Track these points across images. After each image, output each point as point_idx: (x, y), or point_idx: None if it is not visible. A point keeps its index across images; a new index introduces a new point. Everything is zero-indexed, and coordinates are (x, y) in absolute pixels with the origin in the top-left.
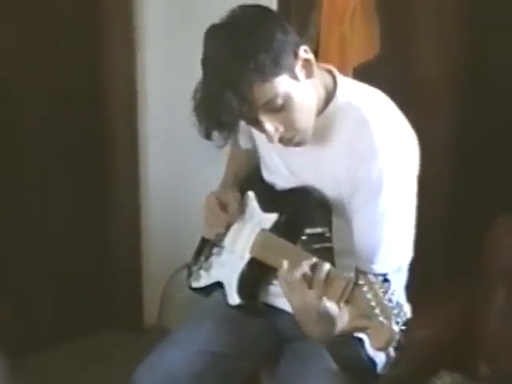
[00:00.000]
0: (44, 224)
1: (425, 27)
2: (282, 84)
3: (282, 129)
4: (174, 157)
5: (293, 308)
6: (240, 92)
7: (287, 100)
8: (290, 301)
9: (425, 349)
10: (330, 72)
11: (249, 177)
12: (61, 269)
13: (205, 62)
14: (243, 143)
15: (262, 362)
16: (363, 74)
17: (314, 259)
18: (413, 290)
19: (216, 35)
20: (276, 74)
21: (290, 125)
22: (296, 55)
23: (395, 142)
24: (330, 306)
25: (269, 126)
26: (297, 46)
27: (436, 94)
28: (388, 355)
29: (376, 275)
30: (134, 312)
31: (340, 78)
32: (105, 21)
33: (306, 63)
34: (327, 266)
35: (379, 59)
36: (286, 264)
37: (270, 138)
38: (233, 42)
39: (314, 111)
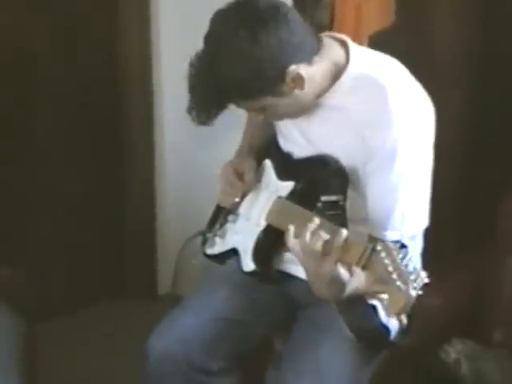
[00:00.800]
0: (58, 194)
1: None
2: (269, 100)
3: (262, 117)
4: (189, 124)
5: (307, 272)
6: (223, 99)
7: (272, 108)
8: (304, 265)
9: (437, 317)
10: (343, 43)
11: (266, 145)
12: (75, 236)
13: (205, 42)
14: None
15: (275, 328)
16: (378, 43)
17: (332, 225)
18: (426, 257)
19: (222, 19)
20: (262, 95)
21: (273, 115)
22: (284, 77)
23: (411, 110)
24: (343, 272)
25: (250, 110)
26: (288, 64)
27: (451, 66)
28: (401, 322)
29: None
30: (147, 280)
31: (353, 47)
32: None
33: (297, 77)
34: (345, 232)
35: (395, 29)
36: (292, 229)
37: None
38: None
39: (308, 102)
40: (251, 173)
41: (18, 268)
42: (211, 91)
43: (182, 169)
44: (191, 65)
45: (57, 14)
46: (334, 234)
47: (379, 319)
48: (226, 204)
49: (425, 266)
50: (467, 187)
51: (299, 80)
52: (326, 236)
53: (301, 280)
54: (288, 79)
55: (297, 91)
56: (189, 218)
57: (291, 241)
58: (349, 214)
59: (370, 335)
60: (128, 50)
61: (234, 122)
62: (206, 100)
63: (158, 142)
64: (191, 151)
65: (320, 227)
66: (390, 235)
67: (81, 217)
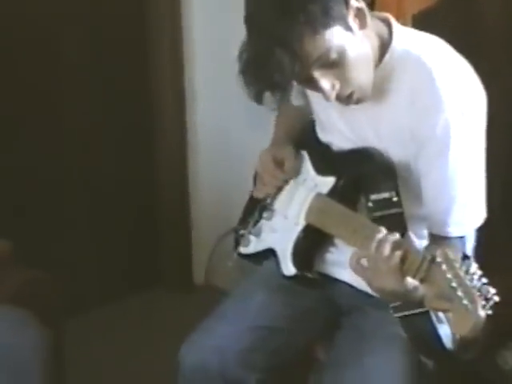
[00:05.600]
0: (87, 181)
1: None
2: (335, 36)
3: (338, 85)
4: (224, 111)
5: (377, 292)
6: (291, 48)
7: (341, 53)
8: (373, 284)
9: (493, 320)
10: (386, 20)
11: (301, 136)
12: (107, 226)
13: (249, 20)
14: (294, 99)
15: (316, 336)
16: (423, 23)
17: (383, 229)
18: (479, 255)
19: None
20: (328, 26)
21: (346, 81)
22: (347, 4)
23: (461, 90)
24: (413, 282)
25: (324, 82)
26: None
27: (502, 45)
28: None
29: (451, 238)
30: (183, 271)
31: (397, 26)
32: None
33: (359, 12)
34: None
35: (441, 6)
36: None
37: (326, 96)
38: None
39: (372, 64)
40: (292, 161)
41: (44, 269)
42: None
43: (218, 154)
44: (243, 51)
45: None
46: (397, 244)
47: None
48: (262, 195)
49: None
50: None
51: (360, 13)
52: (399, 252)
53: (344, 283)
54: (351, 8)
55: (361, 32)
56: (226, 206)
57: (356, 262)
58: (406, 211)
59: (427, 342)
60: (158, 23)
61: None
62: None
63: (190, 127)
64: (228, 132)
65: (365, 230)
66: (454, 231)
67: (112, 208)
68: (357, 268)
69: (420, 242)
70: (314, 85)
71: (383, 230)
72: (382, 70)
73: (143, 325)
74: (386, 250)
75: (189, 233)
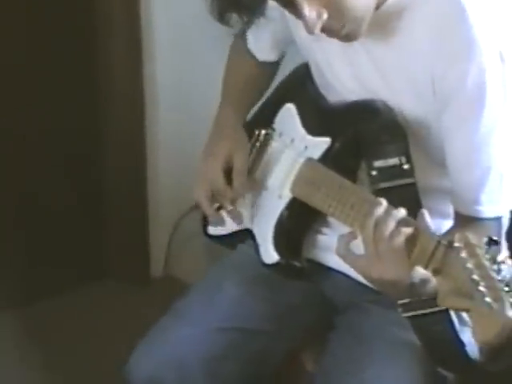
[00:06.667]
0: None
1: None
2: None
3: (325, 15)
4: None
5: (374, 284)
6: None
7: None
8: (369, 275)
9: None
10: None
11: (285, 85)
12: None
13: None
14: (261, 53)
15: (304, 339)
16: None
17: (384, 202)
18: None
19: None
20: None
21: (337, 10)
22: None
23: (501, 31)
24: (423, 273)
25: (308, 10)
26: None
27: None
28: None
29: (483, 220)
30: (137, 259)
31: None
32: None
33: None
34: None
35: None
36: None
37: (308, 28)
38: None
39: None
40: (243, 177)
41: None
42: None
43: (178, 112)
44: None
45: None
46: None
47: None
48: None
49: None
50: None
51: None
52: (407, 229)
53: (340, 273)
54: None
55: None
56: (190, 179)
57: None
58: (420, 183)
59: (448, 350)
60: None
61: None
62: None
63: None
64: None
65: (366, 205)
66: (488, 210)
67: (59, 191)
68: (346, 255)
69: (442, 221)
70: (294, 10)
71: (384, 203)
72: (396, 4)
73: (86, 324)
74: (389, 227)
75: (145, 212)
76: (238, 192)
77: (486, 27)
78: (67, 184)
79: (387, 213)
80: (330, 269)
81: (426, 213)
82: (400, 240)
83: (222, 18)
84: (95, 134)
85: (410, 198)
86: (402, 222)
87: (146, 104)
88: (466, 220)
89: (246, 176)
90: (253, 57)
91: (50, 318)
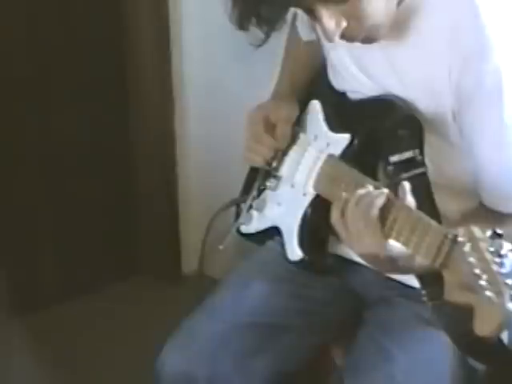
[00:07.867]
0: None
1: None
2: None
3: (344, 24)
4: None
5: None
6: None
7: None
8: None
9: None
10: None
11: (312, 81)
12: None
13: None
14: (304, 33)
15: (333, 336)
16: None
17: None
18: None
19: None
20: None
21: (356, 18)
22: None
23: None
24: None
25: (327, 20)
26: None
27: None
28: None
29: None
30: (169, 257)
31: None
32: None
33: None
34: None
35: None
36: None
37: (327, 36)
38: None
39: None
40: (287, 125)
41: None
42: None
43: (207, 118)
44: None
45: None
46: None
47: None
48: (251, 163)
49: None
50: None
51: None
52: (378, 199)
53: (368, 268)
54: None
55: None
56: (221, 178)
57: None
58: (434, 174)
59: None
60: None
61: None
62: None
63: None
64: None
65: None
66: None
67: (91, 188)
68: (338, 222)
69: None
70: (314, 18)
71: (370, 186)
72: (412, 2)
73: (118, 320)
74: (366, 200)
75: (176, 210)
76: (278, 139)
77: (500, 28)
78: (101, 183)
79: (369, 192)
80: (357, 264)
81: (407, 185)
82: (373, 212)
83: (242, 26)
84: (127, 133)
85: (422, 186)
86: (379, 194)
87: (176, 103)
88: (495, 216)
89: (290, 126)
90: (299, 38)
91: (83, 315)
